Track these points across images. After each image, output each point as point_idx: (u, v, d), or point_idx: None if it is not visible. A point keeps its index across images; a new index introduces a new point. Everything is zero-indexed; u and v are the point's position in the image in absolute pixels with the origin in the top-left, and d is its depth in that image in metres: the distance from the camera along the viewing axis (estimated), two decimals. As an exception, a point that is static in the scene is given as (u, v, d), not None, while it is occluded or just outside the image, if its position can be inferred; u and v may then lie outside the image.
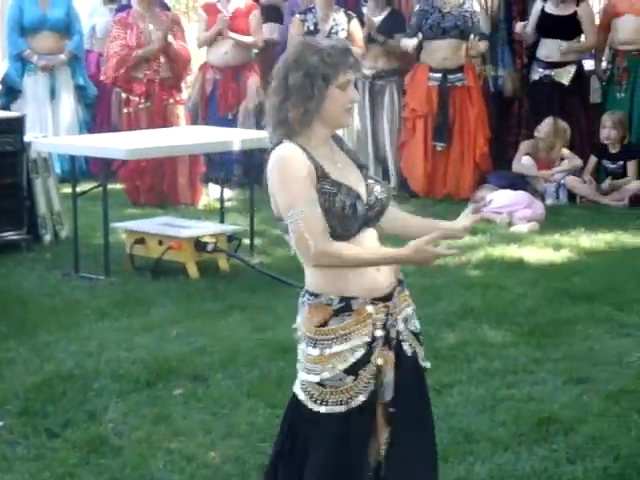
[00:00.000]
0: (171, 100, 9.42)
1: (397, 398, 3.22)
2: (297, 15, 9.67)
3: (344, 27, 9.50)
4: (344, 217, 3.15)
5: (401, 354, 3.25)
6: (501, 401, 4.82)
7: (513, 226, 8.30)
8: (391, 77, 10.02)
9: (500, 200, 8.29)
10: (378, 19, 9.91)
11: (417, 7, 9.77)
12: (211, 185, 9.72)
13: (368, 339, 3.19)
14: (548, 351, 5.48)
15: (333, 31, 9.48)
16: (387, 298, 3.22)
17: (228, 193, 9.15)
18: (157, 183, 9.44)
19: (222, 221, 8.01)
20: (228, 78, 10.18)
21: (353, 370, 3.18)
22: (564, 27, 9.50)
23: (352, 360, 3.18)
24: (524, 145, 9.42)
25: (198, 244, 7.10)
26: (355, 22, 9.59)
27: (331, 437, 3.18)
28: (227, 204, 8.66)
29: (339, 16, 9.56)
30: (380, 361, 3.19)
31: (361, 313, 3.18)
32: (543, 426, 4.52)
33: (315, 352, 3.20)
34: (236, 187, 9.88)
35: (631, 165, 9.29)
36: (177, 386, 5.07)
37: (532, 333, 5.77)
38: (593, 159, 9.49)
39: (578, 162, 9.36)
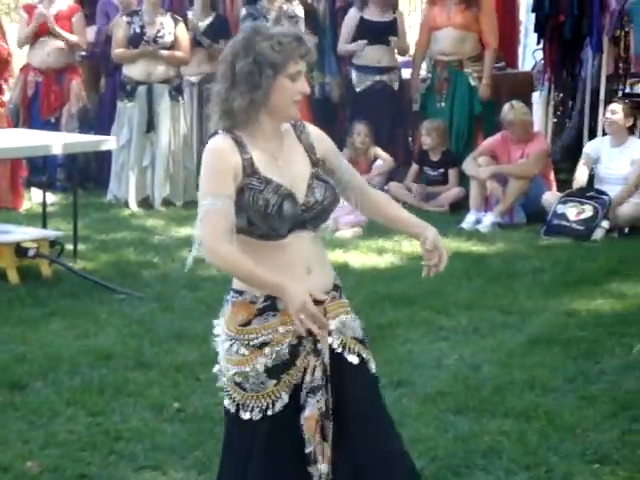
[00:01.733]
0: (-8, 102, 9.19)
1: (346, 412, 3.12)
2: (123, 17, 9.57)
3: (170, 31, 9.45)
4: (266, 216, 3.02)
5: (344, 365, 3.13)
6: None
7: (337, 231, 8.40)
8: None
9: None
10: (204, 24, 9.94)
11: (243, 12, 9.83)
12: (33, 189, 9.53)
13: (293, 341, 3.08)
14: (369, 355, 5.56)
15: (159, 35, 9.41)
16: (318, 302, 3.01)
17: (51, 198, 8.98)
18: (-23, 187, 9.20)
19: (44, 226, 7.85)
20: (51, 80, 10.00)
21: (275, 373, 3.07)
22: (386, 33, 9.73)
23: (274, 363, 3.07)
24: (345, 152, 9.56)
25: (19, 249, 6.94)
26: (181, 26, 9.55)
27: (257, 442, 3.07)
28: (50, 209, 8.50)
29: (166, 20, 9.50)
30: (303, 364, 3.08)
31: (287, 313, 3.02)
32: (363, 429, 4.59)
33: (236, 352, 3.09)
34: (59, 191, 9.71)
35: (451, 173, 9.53)
36: (-6, 395, 4.96)
37: (354, 337, 5.84)
38: (415, 166, 9.70)
39: (392, 162, 9.63)
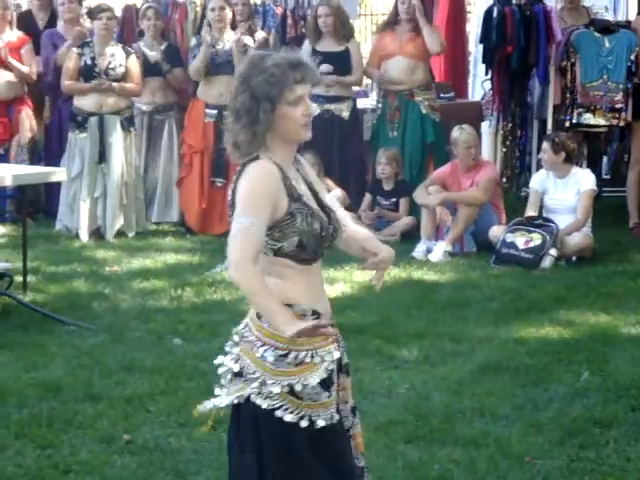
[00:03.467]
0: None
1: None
2: (74, 49, 9.54)
3: (122, 62, 9.45)
4: (321, 238, 3.18)
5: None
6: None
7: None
8: (169, 111, 10.10)
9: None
10: (156, 53, 9.97)
11: (193, 41, 9.86)
12: (-17, 221, 9.47)
13: (337, 355, 3.22)
14: (320, 384, 5.57)
15: (111, 66, 9.41)
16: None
17: (0, 229, 8.92)
18: None
19: (-7, 258, 7.80)
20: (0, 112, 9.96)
21: (326, 385, 3.18)
22: (338, 63, 9.71)
23: (325, 375, 3.17)
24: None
25: (-33, 282, 6.90)
26: (133, 58, 9.56)
27: (297, 448, 3.17)
28: (-1, 240, 8.45)
29: (117, 51, 9.50)
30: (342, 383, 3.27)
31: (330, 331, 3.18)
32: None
33: (288, 363, 3.14)
34: (9, 223, 9.65)
35: (403, 202, 9.59)
36: (-60, 429, 4.91)
37: (305, 367, 5.85)
38: (368, 196, 9.74)
39: (346, 199, 9.61)
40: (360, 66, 10.06)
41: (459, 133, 9.12)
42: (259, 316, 3.21)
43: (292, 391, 3.17)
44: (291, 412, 3.17)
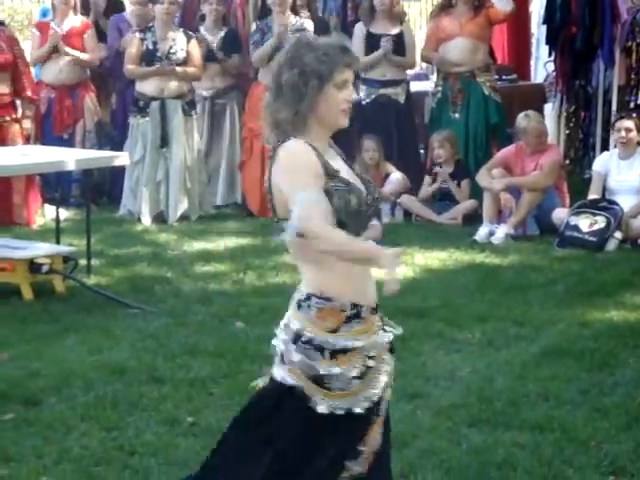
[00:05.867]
0: (7, 118, 9.22)
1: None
2: (136, 34, 9.61)
3: (183, 47, 9.49)
4: (359, 214, 3.12)
5: None
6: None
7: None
8: (230, 93, 10.12)
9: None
10: (216, 38, 10.00)
11: (254, 27, 9.88)
12: (47, 205, 9.56)
13: (378, 349, 3.18)
14: (383, 368, 5.56)
15: (172, 51, 9.46)
16: (376, 310, 3.22)
17: (64, 213, 9.01)
18: (-9, 203, 9.24)
19: (58, 242, 7.88)
20: (64, 97, 10.06)
21: (362, 377, 3.15)
22: (393, 45, 9.68)
23: (364, 369, 3.15)
24: (356, 168, 9.55)
25: (32, 265, 6.96)
26: (194, 42, 9.59)
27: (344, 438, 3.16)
28: (63, 225, 8.53)
29: (178, 36, 9.54)
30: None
31: (367, 322, 3.16)
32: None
33: (324, 357, 3.11)
34: (73, 207, 9.74)
35: (464, 184, 9.52)
36: (7, 411, 4.96)
37: (367, 350, 5.84)
38: (428, 179, 9.69)
39: (407, 183, 9.57)
40: (414, 48, 10.05)
41: (527, 122, 8.98)
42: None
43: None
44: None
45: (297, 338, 3.14)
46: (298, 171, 3.07)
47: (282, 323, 3.23)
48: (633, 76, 9.53)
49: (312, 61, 3.08)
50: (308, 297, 3.15)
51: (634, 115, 8.92)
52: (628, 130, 8.69)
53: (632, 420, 4.85)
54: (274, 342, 3.24)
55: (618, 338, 6.03)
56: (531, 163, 9.03)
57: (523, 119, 9.04)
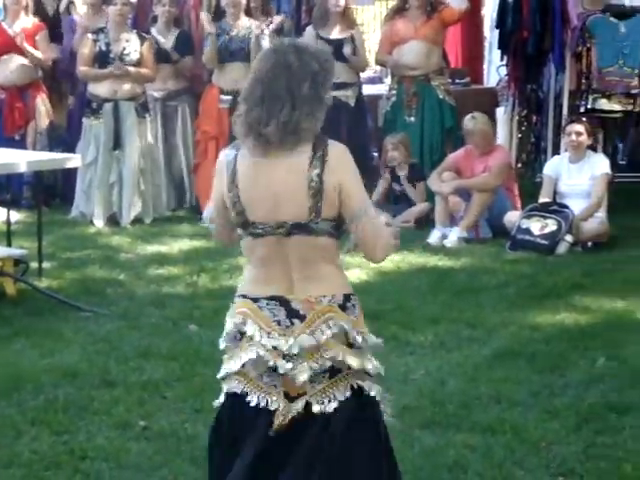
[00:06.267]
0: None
1: None
2: (89, 35, 9.56)
3: (136, 48, 9.45)
4: None
5: None
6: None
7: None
8: (182, 96, 10.11)
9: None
10: (168, 40, 9.98)
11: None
12: (-3, 207, 9.48)
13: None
14: (335, 370, 5.57)
15: (125, 52, 9.41)
16: None
17: (15, 216, 8.94)
18: (-60, 205, 9.14)
19: (9, 244, 7.80)
20: (14, 98, 9.98)
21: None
22: (342, 50, 9.67)
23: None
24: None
25: (-18, 268, 6.91)
26: (147, 43, 9.56)
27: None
28: (15, 227, 8.46)
29: (131, 37, 9.50)
30: None
31: None
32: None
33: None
34: (25, 209, 9.67)
35: (418, 188, 9.56)
36: (-43, 415, 4.93)
37: (320, 353, 5.85)
38: (383, 182, 9.71)
39: None
40: (364, 52, 10.06)
41: (473, 124, 9.07)
42: None
43: None
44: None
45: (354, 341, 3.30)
46: (357, 171, 3.23)
47: (330, 333, 3.26)
48: (584, 81, 9.61)
49: (317, 69, 3.19)
50: (347, 298, 3.29)
51: (584, 119, 9.01)
52: (578, 134, 8.77)
53: (582, 421, 4.90)
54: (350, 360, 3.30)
55: (569, 340, 6.09)
56: (480, 165, 9.10)
57: (469, 121, 9.12)
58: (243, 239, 3.33)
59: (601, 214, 8.71)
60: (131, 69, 9.37)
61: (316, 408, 3.24)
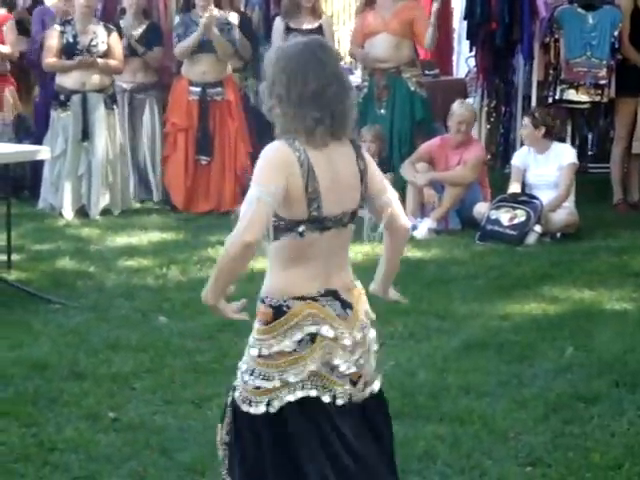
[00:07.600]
0: None
1: None
2: (55, 26, 9.50)
3: (104, 40, 9.41)
4: None
5: None
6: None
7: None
8: (150, 90, 10.08)
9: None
10: (137, 32, 9.95)
11: (177, 20, 9.83)
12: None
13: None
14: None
15: (93, 44, 9.37)
16: None
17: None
18: None
19: (-23, 237, 7.77)
20: (-19, 90, 9.93)
21: None
22: None
23: None
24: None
25: (-49, 261, 6.88)
26: (115, 35, 9.52)
27: None
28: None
29: (99, 29, 9.45)
30: None
31: None
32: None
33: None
34: (-8, 201, 9.61)
35: (387, 178, 9.55)
36: None
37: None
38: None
39: None
40: (334, 43, 10.06)
41: (458, 107, 9.07)
42: None
43: None
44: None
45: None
46: None
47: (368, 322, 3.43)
48: (551, 71, 9.65)
49: (321, 71, 3.22)
50: (366, 290, 3.45)
51: (550, 110, 9.05)
52: (523, 127, 8.86)
53: (550, 411, 4.93)
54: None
55: (537, 330, 6.12)
56: (455, 157, 9.11)
57: (457, 104, 9.12)
58: (291, 238, 3.21)
59: (570, 204, 8.75)
60: (99, 60, 9.33)
61: (376, 386, 3.45)
